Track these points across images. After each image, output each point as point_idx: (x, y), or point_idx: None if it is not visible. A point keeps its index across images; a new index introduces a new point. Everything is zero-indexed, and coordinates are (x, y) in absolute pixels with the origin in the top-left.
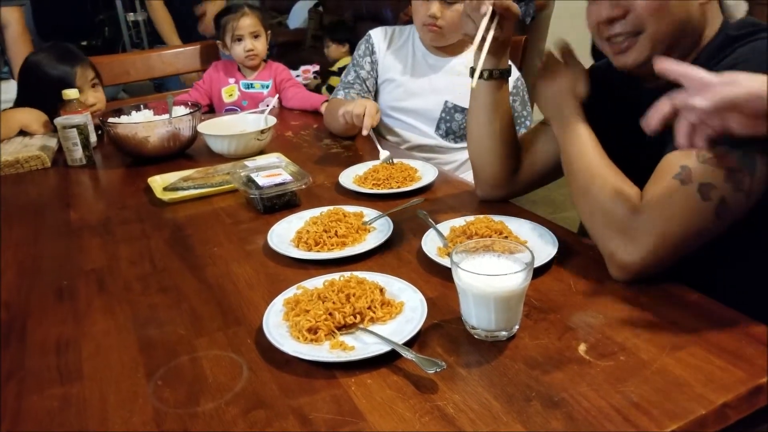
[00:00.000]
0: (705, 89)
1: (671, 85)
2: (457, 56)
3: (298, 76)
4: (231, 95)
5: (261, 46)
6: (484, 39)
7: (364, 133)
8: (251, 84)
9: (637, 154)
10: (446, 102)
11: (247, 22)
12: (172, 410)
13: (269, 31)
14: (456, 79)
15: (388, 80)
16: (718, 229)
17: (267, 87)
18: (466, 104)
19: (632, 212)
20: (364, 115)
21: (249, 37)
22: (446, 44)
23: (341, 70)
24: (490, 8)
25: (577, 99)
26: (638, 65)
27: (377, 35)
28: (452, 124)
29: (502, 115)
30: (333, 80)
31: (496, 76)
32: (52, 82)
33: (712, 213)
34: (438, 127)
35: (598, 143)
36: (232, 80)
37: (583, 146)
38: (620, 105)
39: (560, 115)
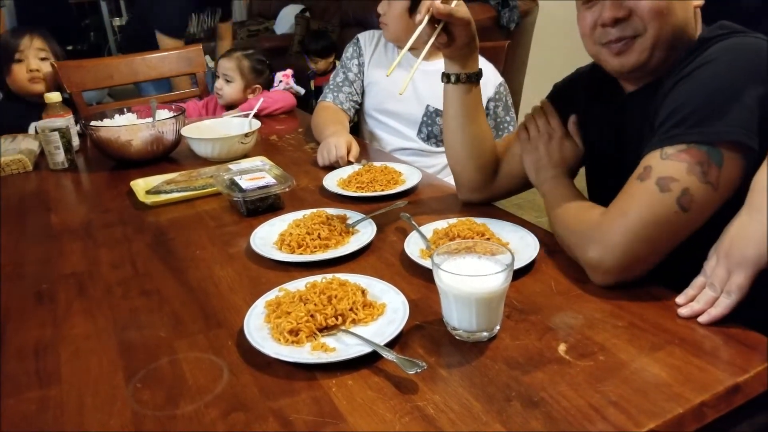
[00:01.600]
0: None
1: (651, 87)
2: (440, 60)
3: (281, 81)
4: None
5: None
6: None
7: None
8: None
9: (619, 155)
10: (428, 106)
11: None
12: (150, 413)
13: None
14: (438, 84)
15: (373, 83)
16: (691, 224)
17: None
18: None
19: (599, 218)
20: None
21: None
22: (396, 41)
23: None
24: (426, 17)
25: (558, 166)
26: (638, 67)
27: (364, 38)
28: (433, 128)
29: (475, 121)
30: None
31: (463, 80)
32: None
33: (674, 204)
34: (420, 131)
35: (580, 197)
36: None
37: (564, 207)
38: (602, 108)
39: (539, 181)
